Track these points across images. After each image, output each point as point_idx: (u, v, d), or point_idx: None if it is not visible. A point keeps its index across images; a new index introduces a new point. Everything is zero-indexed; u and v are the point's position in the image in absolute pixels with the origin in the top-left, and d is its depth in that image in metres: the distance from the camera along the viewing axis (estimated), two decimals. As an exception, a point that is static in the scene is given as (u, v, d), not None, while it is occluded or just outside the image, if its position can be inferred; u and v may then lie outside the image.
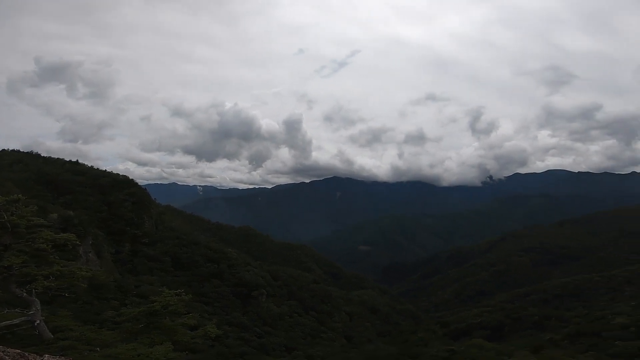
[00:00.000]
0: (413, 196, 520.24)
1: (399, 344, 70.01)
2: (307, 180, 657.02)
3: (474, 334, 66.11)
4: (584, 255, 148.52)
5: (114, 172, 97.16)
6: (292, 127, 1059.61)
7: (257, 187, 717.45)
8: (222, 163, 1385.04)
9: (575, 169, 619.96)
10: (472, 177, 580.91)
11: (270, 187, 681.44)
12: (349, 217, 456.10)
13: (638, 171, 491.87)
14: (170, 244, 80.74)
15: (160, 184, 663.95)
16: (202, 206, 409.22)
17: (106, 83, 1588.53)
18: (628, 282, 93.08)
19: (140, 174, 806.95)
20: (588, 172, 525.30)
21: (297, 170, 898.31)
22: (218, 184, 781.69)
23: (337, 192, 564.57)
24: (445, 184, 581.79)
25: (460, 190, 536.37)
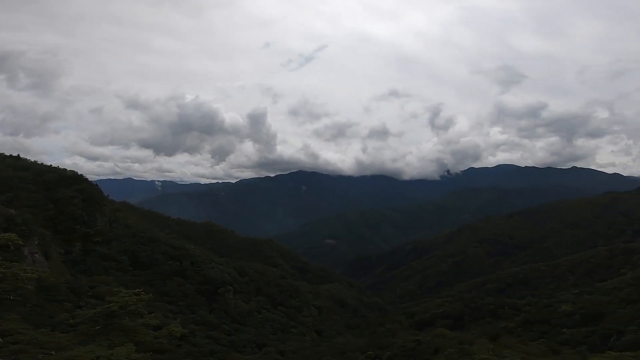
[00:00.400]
0: (376, 190, 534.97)
1: (367, 336, 72.68)
2: (272, 175, 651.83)
3: (437, 323, 70.50)
4: (531, 245, 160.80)
5: (61, 167, 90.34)
6: (257, 121, 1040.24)
7: (220, 181, 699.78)
8: (182, 157, 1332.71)
9: (523, 163, 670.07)
10: (431, 171, 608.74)
11: (234, 181, 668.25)
12: (315, 211, 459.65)
13: (578, 166, 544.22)
14: (127, 242, 77.67)
15: (114, 179, 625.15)
16: (162, 202, 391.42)
17: (52, 73, 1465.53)
18: (570, 270, 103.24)
19: (90, 169, 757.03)
20: (534, 166, 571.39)
21: (261, 165, 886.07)
22: (178, 179, 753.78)
23: (303, 186, 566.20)
24: (406, 177, 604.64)
25: (420, 184, 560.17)
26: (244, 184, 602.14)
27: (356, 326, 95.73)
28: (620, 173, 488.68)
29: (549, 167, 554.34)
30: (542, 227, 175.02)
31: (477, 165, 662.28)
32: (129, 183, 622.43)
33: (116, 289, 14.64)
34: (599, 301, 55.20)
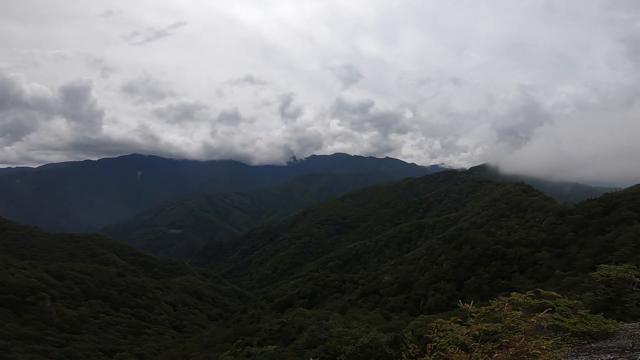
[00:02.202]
0: (225, 175, 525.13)
1: (233, 325, 75.84)
2: (95, 158, 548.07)
3: (295, 303, 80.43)
4: (358, 224, 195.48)
5: None
6: (76, 95, 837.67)
7: (13, 167, 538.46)
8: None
9: (353, 152, 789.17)
10: (279, 157, 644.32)
11: (35, 166, 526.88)
12: (154, 198, 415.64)
13: (390, 156, 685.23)
14: None
15: None
16: None
17: None
18: (386, 245, 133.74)
19: None
20: (361, 155, 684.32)
21: (79, 146, 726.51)
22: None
23: (138, 171, 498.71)
24: (256, 163, 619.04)
25: (268, 169, 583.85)
26: (51, 169, 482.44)
27: (219, 317, 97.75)
28: (416, 163, 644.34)
29: (371, 157, 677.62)
30: (365, 207, 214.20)
31: (318, 152, 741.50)
32: None
33: None
34: (407, 270, 76.83)
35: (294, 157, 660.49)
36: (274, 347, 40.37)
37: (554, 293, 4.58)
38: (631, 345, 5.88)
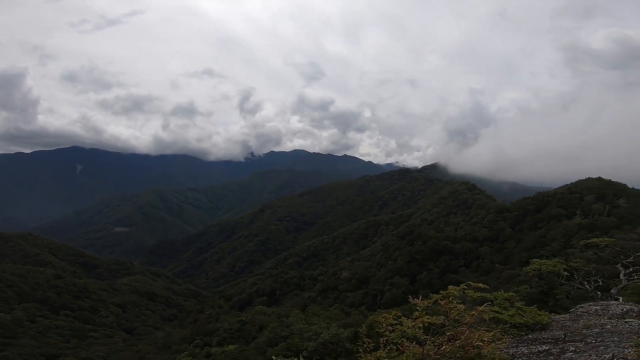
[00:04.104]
0: (178, 170, 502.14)
1: (189, 325, 73.89)
2: (28, 150, 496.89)
3: (255, 302, 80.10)
4: (316, 221, 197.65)
5: None
6: (8, 83, 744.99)
7: None
8: None
9: (312, 149, 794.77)
10: (237, 152, 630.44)
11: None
12: (97, 194, 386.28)
13: (348, 154, 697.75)
14: None
15: None
16: None
17: None
18: (344, 241, 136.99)
19: None
20: (319, 153, 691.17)
21: (9, 138, 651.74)
22: None
23: (78, 164, 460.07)
24: (212, 158, 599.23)
25: (226, 165, 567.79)
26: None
27: (174, 317, 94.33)
28: (372, 161, 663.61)
29: (329, 154, 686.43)
30: (323, 204, 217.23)
31: (277, 149, 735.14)
32: None
33: None
34: (364, 266, 79.85)
35: (252, 153, 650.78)
36: (234, 346, 40.25)
37: (481, 285, 5.06)
38: (563, 336, 6.26)
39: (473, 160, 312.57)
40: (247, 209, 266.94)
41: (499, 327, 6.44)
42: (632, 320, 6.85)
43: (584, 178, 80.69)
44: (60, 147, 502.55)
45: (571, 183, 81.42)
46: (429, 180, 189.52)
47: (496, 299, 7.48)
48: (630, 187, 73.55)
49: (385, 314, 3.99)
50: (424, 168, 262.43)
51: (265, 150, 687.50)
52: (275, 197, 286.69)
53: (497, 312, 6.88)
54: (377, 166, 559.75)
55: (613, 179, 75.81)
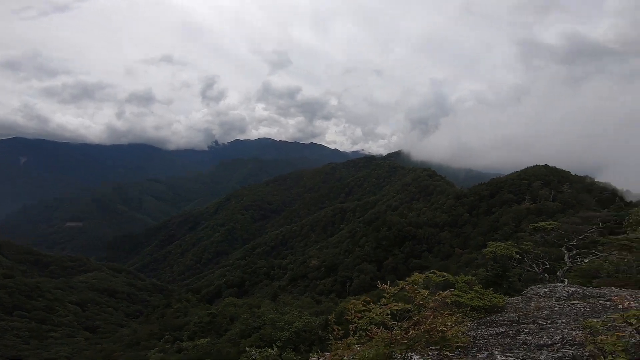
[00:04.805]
0: (136, 160, 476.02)
1: (156, 321, 72.11)
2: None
3: (224, 293, 79.26)
4: (283, 209, 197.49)
5: None
6: None
7: None
8: None
9: (278, 137, 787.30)
10: (199, 141, 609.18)
11: None
12: (45, 187, 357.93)
13: (314, 142, 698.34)
14: None
15: None
16: None
17: None
18: (312, 229, 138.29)
19: None
20: (286, 141, 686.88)
21: None
22: None
23: (22, 157, 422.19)
24: (172, 147, 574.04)
25: (188, 154, 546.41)
26: None
27: (139, 313, 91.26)
28: (339, 149, 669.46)
29: (296, 142, 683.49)
30: (290, 192, 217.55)
31: (242, 137, 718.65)
32: None
33: None
34: (332, 254, 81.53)
35: (216, 142, 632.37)
36: (206, 340, 40.10)
37: (445, 274, 5.26)
38: (517, 318, 6.45)
39: (434, 148, 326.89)
40: (211, 199, 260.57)
41: (461, 310, 6.67)
42: (577, 302, 7.17)
43: (533, 165, 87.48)
44: (0, 138, 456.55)
45: (521, 170, 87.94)
46: (393, 168, 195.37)
47: (457, 282, 7.62)
48: (573, 173, 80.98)
49: (354, 301, 4.05)
50: (389, 155, 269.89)
51: (230, 139, 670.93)
52: (241, 185, 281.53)
53: (458, 295, 7.05)
54: (343, 154, 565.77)
55: (558, 167, 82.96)
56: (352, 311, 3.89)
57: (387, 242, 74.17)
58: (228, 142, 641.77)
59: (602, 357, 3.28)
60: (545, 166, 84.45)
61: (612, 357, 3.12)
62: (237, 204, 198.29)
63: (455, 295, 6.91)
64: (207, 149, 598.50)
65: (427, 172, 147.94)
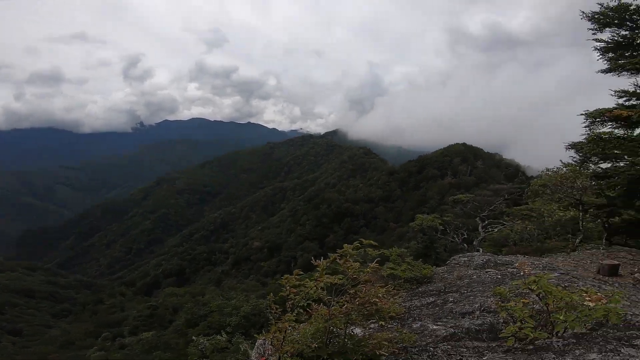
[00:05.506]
0: (42, 146, 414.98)
1: (90, 318, 67.15)
2: None
3: (163, 284, 75.81)
4: (221, 192, 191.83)
5: None
6: None
7: None
8: None
9: (213, 117, 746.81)
10: (121, 122, 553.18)
11: None
12: None
13: (252, 122, 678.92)
14: None
15: None
16: None
17: None
18: (251, 210, 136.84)
19: None
20: (221, 121, 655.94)
21: None
22: None
23: None
24: (87, 130, 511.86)
25: (107, 137, 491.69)
26: None
27: (67, 312, 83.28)
28: (277, 128, 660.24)
29: (232, 122, 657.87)
30: (227, 173, 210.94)
31: (172, 117, 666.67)
32: None
33: None
34: (275, 234, 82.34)
35: (142, 123, 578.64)
36: (150, 333, 38.77)
37: (372, 242, 4.76)
38: (443, 288, 6.73)
39: (369, 127, 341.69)
40: (138, 184, 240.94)
41: (396, 282, 6.83)
42: (490, 270, 7.56)
43: (454, 144, 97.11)
44: None
45: (444, 148, 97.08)
46: (331, 146, 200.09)
47: (391, 255, 7.79)
48: (486, 151, 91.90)
49: (288, 276, 3.91)
50: (327, 134, 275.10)
51: (158, 120, 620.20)
52: (172, 169, 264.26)
53: (393, 268, 7.17)
54: (282, 133, 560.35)
55: (474, 145, 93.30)
56: (287, 287, 3.77)
57: (327, 219, 77.21)
58: (156, 123, 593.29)
59: (512, 323, 3.54)
60: (464, 144, 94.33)
61: (521, 323, 3.32)
62: (170, 189, 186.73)
63: (389, 268, 7.14)
64: (130, 131, 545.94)
65: (362, 150, 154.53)
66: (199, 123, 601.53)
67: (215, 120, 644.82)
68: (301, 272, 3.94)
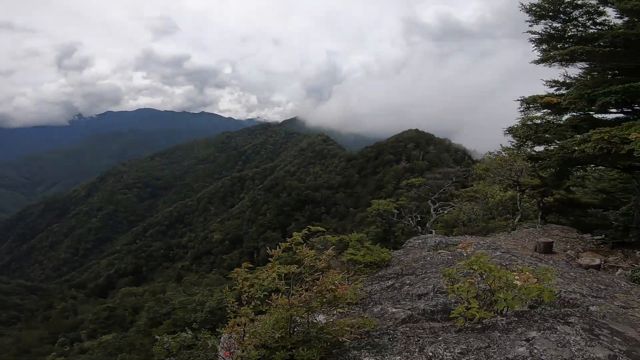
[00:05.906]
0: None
1: (41, 324, 62.11)
2: None
3: (118, 284, 71.66)
4: (175, 184, 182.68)
5: None
6: None
7: None
8: None
9: (163, 108, 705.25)
10: (56, 115, 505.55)
11: None
12: None
13: (206, 111, 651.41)
14: None
15: None
16: None
17: None
18: (209, 202, 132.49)
19: None
20: (172, 111, 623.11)
21: None
22: None
23: None
24: (16, 124, 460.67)
25: (41, 131, 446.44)
26: None
27: (15, 320, 76.09)
28: (233, 117, 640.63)
29: (184, 112, 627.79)
30: (181, 165, 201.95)
31: (115, 108, 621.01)
32: None
33: None
34: (235, 225, 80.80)
35: (81, 115, 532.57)
36: (111, 335, 36.82)
37: (319, 227, 4.67)
38: (401, 270, 6.65)
39: (327, 115, 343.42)
40: (80, 180, 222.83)
41: (356, 267, 6.83)
42: (442, 251, 7.62)
43: (407, 130, 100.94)
44: None
45: (398, 134, 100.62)
46: (290, 134, 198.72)
47: (350, 241, 7.70)
48: (437, 136, 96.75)
49: (238, 269, 3.81)
50: (285, 122, 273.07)
51: (99, 111, 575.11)
52: (118, 162, 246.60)
53: (352, 253, 7.12)
54: (238, 122, 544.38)
55: (426, 131, 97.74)
56: (239, 280, 3.63)
57: (289, 207, 77.28)
58: (97, 115, 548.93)
59: (460, 303, 3.62)
60: (417, 130, 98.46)
61: (468, 304, 3.40)
62: (117, 183, 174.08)
63: (349, 253, 7.10)
64: (67, 123, 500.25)
65: (321, 137, 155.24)
66: (146, 114, 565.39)
67: (165, 111, 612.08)
68: (250, 265, 3.81)
